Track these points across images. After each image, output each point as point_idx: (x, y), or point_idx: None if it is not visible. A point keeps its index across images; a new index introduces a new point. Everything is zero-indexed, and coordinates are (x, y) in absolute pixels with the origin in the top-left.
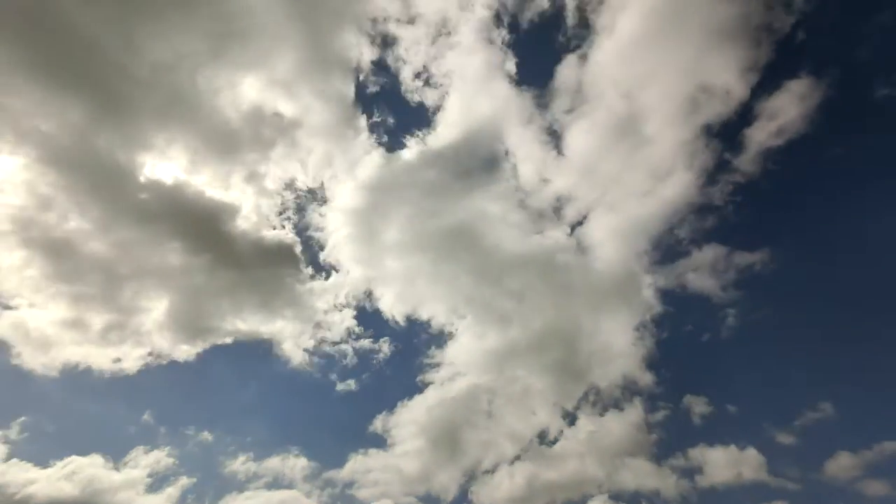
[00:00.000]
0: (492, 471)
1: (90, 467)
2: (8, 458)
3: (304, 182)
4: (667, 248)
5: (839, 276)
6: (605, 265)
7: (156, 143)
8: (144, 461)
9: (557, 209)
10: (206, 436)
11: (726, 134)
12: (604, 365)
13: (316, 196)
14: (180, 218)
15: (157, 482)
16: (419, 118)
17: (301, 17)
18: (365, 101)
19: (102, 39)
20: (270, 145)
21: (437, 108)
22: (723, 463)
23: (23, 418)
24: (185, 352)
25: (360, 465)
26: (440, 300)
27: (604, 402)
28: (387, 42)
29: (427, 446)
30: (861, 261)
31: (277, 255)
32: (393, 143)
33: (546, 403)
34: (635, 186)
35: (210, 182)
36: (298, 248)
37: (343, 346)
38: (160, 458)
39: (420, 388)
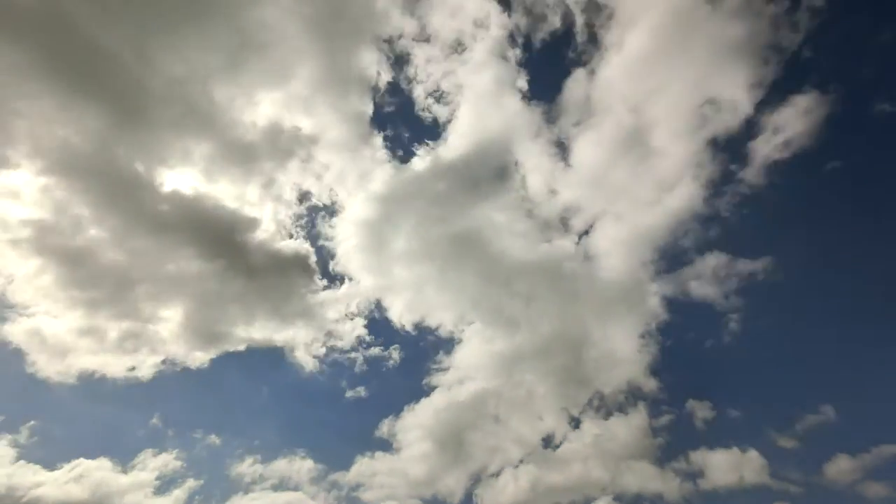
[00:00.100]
0: (496, 474)
1: (98, 470)
2: (15, 460)
3: (317, 193)
4: (672, 257)
5: (838, 283)
6: (610, 274)
7: (174, 154)
8: (153, 464)
9: (565, 219)
10: (214, 439)
11: (732, 147)
12: (609, 371)
13: (329, 207)
14: (196, 227)
15: (164, 485)
16: (431, 131)
17: (318, 34)
18: (379, 115)
19: (121, 52)
20: (285, 158)
21: (449, 122)
22: (725, 466)
23: (32, 422)
24: (199, 359)
25: (367, 467)
26: (449, 307)
27: (608, 407)
28: (402, 59)
29: (433, 449)
30: (860, 268)
31: (291, 265)
32: (404, 156)
33: (551, 408)
34: (641, 197)
35: (225, 192)
36: (312, 259)
37: (353, 355)
38: (168, 460)
39: (427, 392)
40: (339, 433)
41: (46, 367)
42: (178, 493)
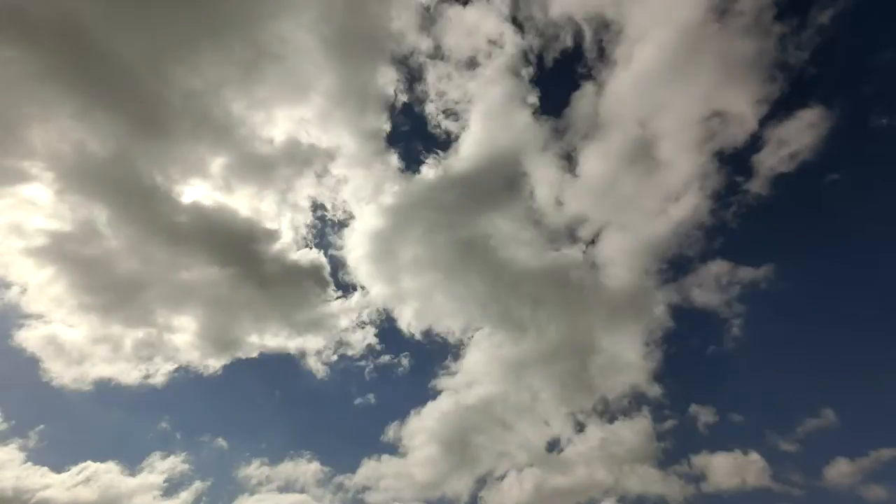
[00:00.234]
0: (502, 477)
1: (106, 473)
2: (23, 462)
3: (331, 205)
4: (676, 266)
5: (838, 289)
6: (616, 282)
7: (190, 165)
8: (161, 467)
9: (572, 229)
10: (222, 442)
11: (737, 159)
12: (613, 376)
13: (342, 219)
14: (211, 238)
15: (172, 487)
16: (443, 145)
17: (334, 52)
18: (394, 129)
19: (138, 63)
20: (300, 170)
21: (460, 136)
22: (727, 469)
23: (41, 426)
24: (211, 366)
25: (373, 470)
26: (458, 315)
27: (612, 412)
28: (416, 76)
29: (439, 453)
30: (858, 274)
31: (304, 276)
32: (416, 168)
33: (556, 412)
34: (648, 207)
35: (241, 203)
36: (326, 270)
37: (363, 363)
38: (176, 463)
39: (433, 396)
40: (346, 437)
41: (61, 374)
42: (186, 495)
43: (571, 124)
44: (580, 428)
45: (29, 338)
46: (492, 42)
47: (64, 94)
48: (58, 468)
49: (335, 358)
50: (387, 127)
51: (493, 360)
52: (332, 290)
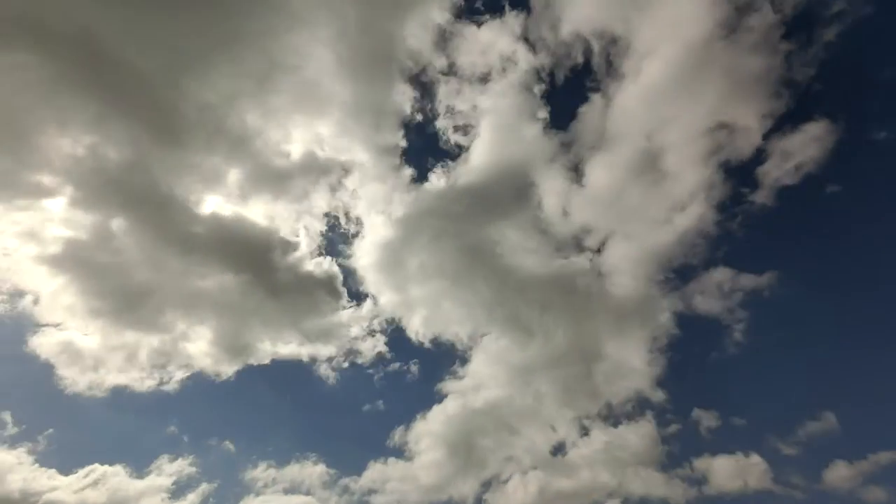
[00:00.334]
0: (506, 480)
1: (113, 476)
2: (31, 465)
3: (344, 217)
4: (681, 274)
5: (837, 296)
6: (622, 290)
7: (205, 176)
8: (168, 470)
9: (578, 238)
10: (229, 445)
11: (743, 171)
12: (618, 382)
13: (355, 230)
14: (226, 246)
15: (179, 489)
16: (453, 157)
17: (349, 68)
18: (407, 143)
19: (155, 73)
20: (315, 182)
21: (471, 148)
22: (729, 471)
23: (50, 430)
24: (224, 372)
25: (379, 473)
26: (466, 321)
27: (616, 417)
28: (430, 92)
29: (445, 456)
30: (858, 283)
31: (318, 285)
32: (426, 180)
33: (561, 417)
34: (653, 217)
35: (256, 214)
36: (339, 280)
37: (373, 370)
38: (183, 466)
39: (440, 401)
40: (352, 440)
41: (76, 381)
42: (193, 497)
43: (579, 136)
44: (585, 432)
45: (43, 344)
46: (505, 59)
47: (80, 102)
48: (65, 471)
49: (346, 365)
50: (403, 143)
51: (500, 364)
52: (341, 297)
